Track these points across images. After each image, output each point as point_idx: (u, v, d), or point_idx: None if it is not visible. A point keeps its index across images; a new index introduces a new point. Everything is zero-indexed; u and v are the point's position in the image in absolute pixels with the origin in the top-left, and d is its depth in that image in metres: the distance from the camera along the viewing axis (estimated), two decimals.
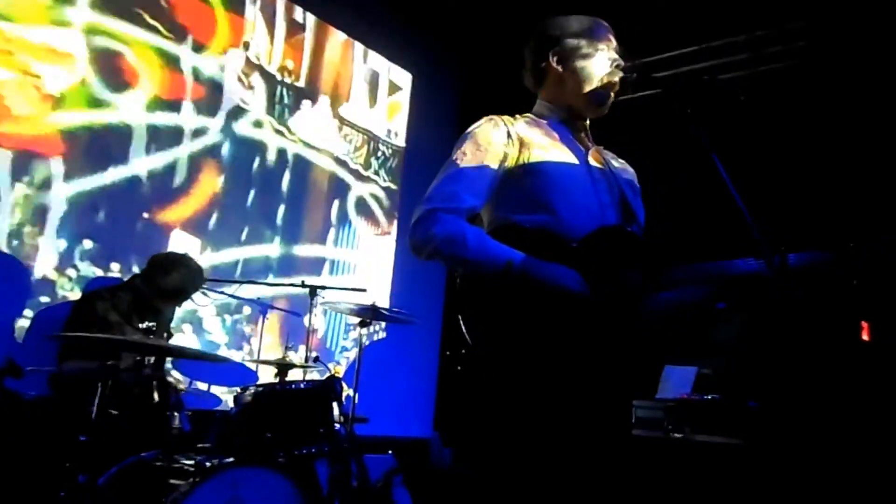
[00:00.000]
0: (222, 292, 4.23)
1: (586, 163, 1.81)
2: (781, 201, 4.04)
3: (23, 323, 3.69)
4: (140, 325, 3.41)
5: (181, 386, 3.60)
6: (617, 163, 1.93)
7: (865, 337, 3.73)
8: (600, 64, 1.82)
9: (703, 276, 1.63)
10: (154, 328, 3.41)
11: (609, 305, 1.57)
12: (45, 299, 3.77)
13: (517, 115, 1.86)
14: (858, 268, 1.55)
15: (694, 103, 1.60)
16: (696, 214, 4.37)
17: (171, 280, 3.48)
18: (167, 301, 3.57)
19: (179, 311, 4.10)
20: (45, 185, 3.80)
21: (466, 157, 1.73)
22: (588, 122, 1.92)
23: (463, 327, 1.52)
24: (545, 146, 1.77)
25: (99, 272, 3.98)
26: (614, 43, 1.86)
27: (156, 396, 2.97)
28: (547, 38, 1.89)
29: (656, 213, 1.92)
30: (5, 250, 3.64)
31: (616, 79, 1.80)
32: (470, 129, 1.80)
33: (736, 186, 1.52)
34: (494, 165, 1.72)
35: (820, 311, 3.92)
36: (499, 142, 1.74)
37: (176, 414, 2.83)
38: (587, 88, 1.82)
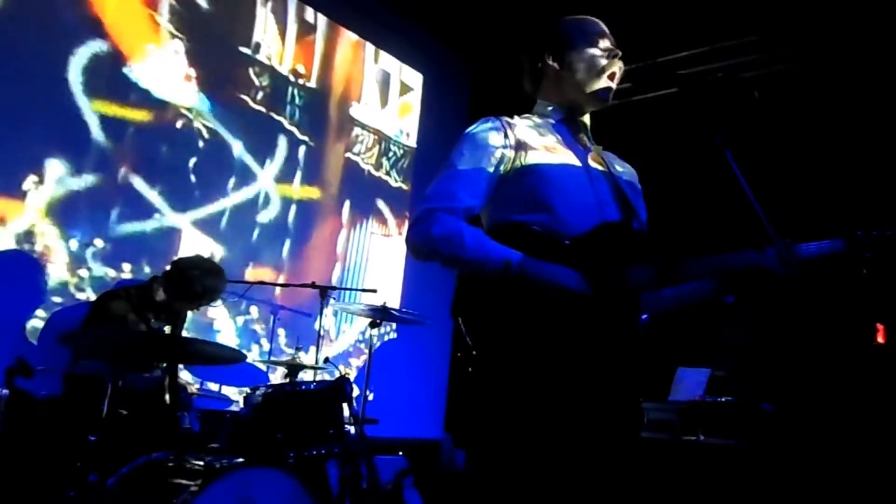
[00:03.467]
0: (234, 293, 4.23)
1: (585, 163, 1.80)
2: (791, 197, 4.00)
3: (35, 323, 3.70)
4: (155, 326, 3.42)
5: (192, 388, 3.62)
6: (618, 164, 1.92)
7: (881, 339, 3.69)
8: (597, 56, 1.82)
9: (706, 270, 1.61)
10: (167, 329, 3.42)
11: (609, 303, 1.54)
12: (57, 300, 3.79)
13: (516, 116, 1.86)
14: (868, 257, 1.54)
15: (708, 100, 1.58)
16: (693, 210, 4.35)
17: (200, 283, 3.49)
18: (191, 303, 3.58)
19: (191, 314, 4.12)
20: (58, 184, 3.82)
21: (464, 157, 1.73)
22: (588, 121, 1.91)
23: (462, 328, 1.51)
24: (543, 147, 1.76)
25: (111, 272, 4.00)
26: (609, 39, 1.86)
27: (167, 397, 2.97)
28: (542, 39, 1.90)
29: (654, 210, 1.90)
30: (22, 251, 3.67)
31: (615, 68, 1.80)
32: (468, 130, 1.80)
33: (746, 183, 1.51)
34: (492, 166, 1.72)
35: (835, 313, 3.88)
36: (496, 142, 1.74)
37: (186, 414, 2.83)
38: (586, 81, 1.82)
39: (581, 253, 1.59)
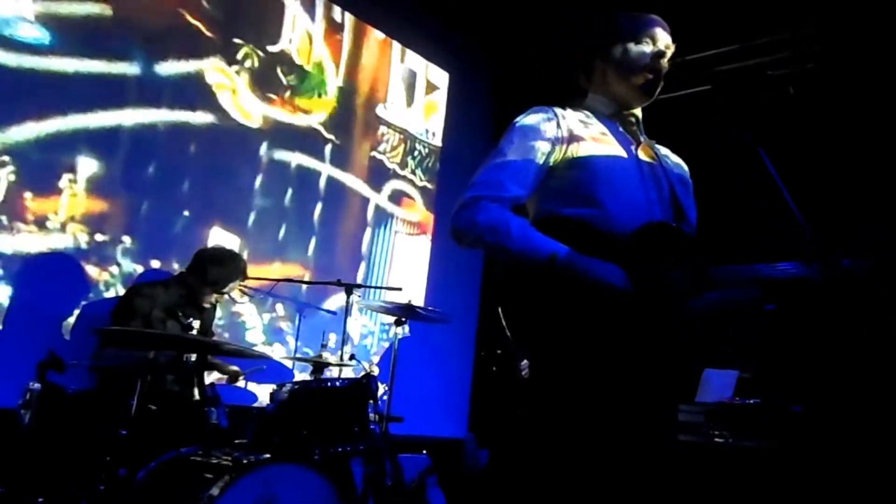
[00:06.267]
0: (260, 290, 4.26)
1: (636, 157, 1.77)
2: (823, 197, 3.94)
3: (72, 321, 3.76)
4: (184, 322, 3.46)
5: (240, 375, 3.70)
6: (670, 158, 1.89)
7: None
8: (643, 56, 1.79)
9: (749, 278, 1.58)
10: (194, 325, 3.45)
11: (652, 303, 1.52)
12: (87, 295, 3.84)
13: (566, 107, 1.83)
14: None
15: (742, 98, 1.56)
16: (727, 211, 4.29)
17: (217, 268, 3.57)
18: (211, 289, 3.63)
19: (220, 312, 4.16)
20: (89, 182, 3.88)
21: (514, 146, 1.70)
22: (640, 115, 1.89)
23: (503, 320, 1.50)
24: (594, 139, 1.74)
25: (140, 269, 4.04)
26: (664, 36, 1.82)
27: (195, 393, 3.00)
28: (593, 33, 1.88)
29: (705, 212, 1.87)
30: (54, 249, 3.73)
31: (659, 71, 1.77)
32: (519, 119, 1.77)
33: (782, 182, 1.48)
34: (541, 157, 1.70)
35: (864, 313, 3.81)
36: (547, 133, 1.72)
37: (214, 410, 2.85)
38: (629, 77, 1.80)
39: (626, 252, 1.57)
